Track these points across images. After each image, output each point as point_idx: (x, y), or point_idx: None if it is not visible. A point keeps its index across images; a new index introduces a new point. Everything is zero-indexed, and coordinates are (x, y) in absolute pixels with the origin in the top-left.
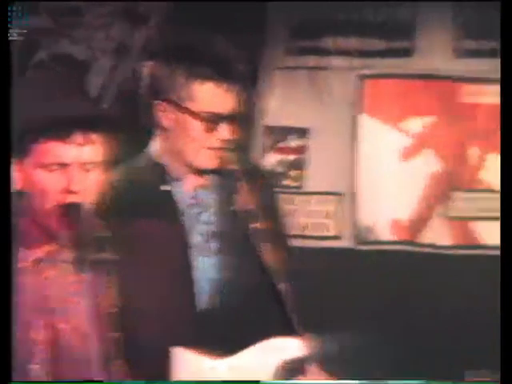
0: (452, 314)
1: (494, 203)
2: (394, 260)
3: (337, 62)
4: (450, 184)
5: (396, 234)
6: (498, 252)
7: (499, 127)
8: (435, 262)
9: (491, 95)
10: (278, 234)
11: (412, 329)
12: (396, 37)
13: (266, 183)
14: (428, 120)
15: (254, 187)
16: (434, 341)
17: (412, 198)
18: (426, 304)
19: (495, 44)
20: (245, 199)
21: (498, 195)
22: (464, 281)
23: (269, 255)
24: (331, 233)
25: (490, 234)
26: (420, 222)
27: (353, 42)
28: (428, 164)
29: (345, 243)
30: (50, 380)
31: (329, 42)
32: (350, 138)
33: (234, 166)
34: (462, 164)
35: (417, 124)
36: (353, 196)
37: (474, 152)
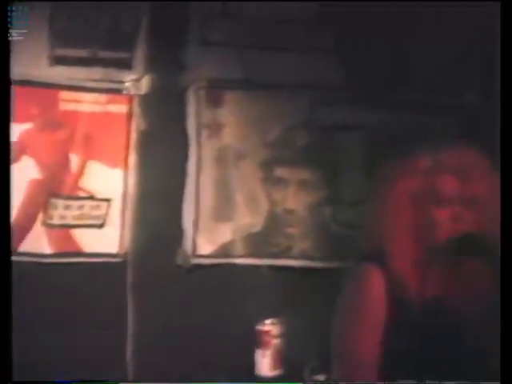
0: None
1: (94, 210)
2: None
3: None
4: (50, 191)
5: None
6: (98, 259)
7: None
8: (35, 270)
9: (88, 103)
10: None
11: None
12: None
13: None
14: (26, 127)
15: None
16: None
17: (11, 206)
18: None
19: (89, 53)
20: None
21: (99, 202)
22: (65, 289)
23: None
24: None
25: (90, 241)
26: (20, 231)
27: None
28: (27, 171)
29: None
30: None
31: None
32: None
33: None
34: (62, 171)
35: (15, 131)
36: None
37: (74, 159)
